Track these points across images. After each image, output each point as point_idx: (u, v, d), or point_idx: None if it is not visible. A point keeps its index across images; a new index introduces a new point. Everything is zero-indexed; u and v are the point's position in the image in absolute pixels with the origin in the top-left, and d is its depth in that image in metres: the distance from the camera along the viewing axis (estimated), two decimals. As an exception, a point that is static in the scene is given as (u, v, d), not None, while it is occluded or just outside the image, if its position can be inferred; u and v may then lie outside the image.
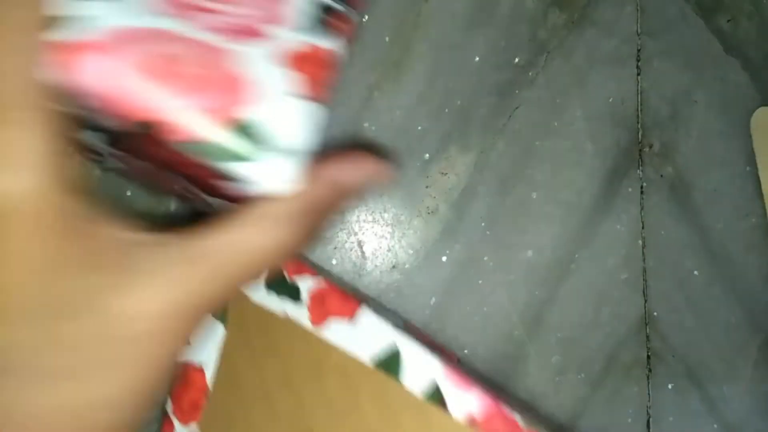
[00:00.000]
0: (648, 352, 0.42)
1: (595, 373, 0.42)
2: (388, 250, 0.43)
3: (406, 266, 0.43)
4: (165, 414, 0.38)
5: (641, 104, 0.43)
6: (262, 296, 0.36)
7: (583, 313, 0.42)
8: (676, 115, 0.43)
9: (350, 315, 0.36)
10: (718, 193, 0.42)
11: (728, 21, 0.43)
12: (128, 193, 0.43)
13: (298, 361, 0.36)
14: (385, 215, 0.43)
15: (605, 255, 0.42)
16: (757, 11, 0.43)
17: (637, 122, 0.43)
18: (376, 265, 0.43)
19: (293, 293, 0.36)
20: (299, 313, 0.36)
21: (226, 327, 0.36)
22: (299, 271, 0.36)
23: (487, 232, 0.43)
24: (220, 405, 0.36)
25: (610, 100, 0.41)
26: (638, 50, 0.43)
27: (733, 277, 0.42)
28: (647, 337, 0.42)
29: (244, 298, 0.36)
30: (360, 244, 0.43)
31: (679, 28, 0.43)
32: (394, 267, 0.43)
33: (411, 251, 0.43)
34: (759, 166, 0.42)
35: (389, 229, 0.43)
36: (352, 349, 0.35)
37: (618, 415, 0.42)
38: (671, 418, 0.42)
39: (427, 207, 0.43)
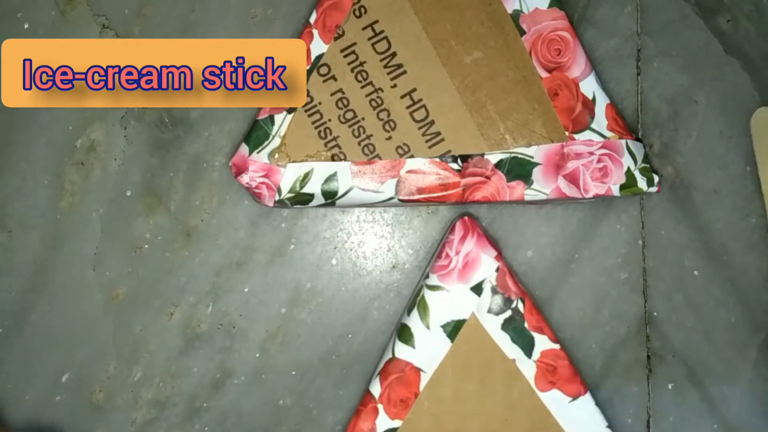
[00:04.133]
0: (648, 352, 0.42)
1: (595, 373, 0.42)
2: (388, 250, 0.43)
3: (406, 266, 0.43)
4: (368, 393, 0.40)
5: (641, 104, 0.43)
6: (497, 332, 0.39)
7: (583, 313, 0.42)
8: (676, 115, 0.43)
9: (573, 395, 0.39)
10: (718, 193, 0.42)
11: (728, 21, 0.43)
12: (128, 193, 0.43)
13: (507, 402, 0.39)
14: (385, 215, 0.43)
15: (605, 255, 0.42)
16: (757, 11, 0.43)
17: (637, 122, 0.43)
18: (376, 265, 0.43)
19: (527, 345, 0.39)
20: (527, 367, 0.39)
21: (454, 343, 0.39)
22: (539, 328, 0.39)
23: (488, 232, 0.43)
24: (426, 412, 0.39)
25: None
26: (638, 50, 0.43)
27: (733, 277, 0.42)
28: (647, 337, 0.42)
29: (479, 326, 0.39)
30: (360, 244, 0.43)
31: (679, 28, 0.43)
32: (394, 267, 0.43)
33: (411, 251, 0.43)
34: (759, 166, 0.42)
35: (389, 229, 0.43)
36: (565, 426, 0.39)
37: (618, 415, 0.42)
38: (671, 418, 0.42)
39: (427, 207, 0.43)
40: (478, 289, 0.39)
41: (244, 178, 0.40)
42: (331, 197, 0.39)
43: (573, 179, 0.39)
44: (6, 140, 0.43)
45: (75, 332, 0.42)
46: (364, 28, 0.39)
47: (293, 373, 0.42)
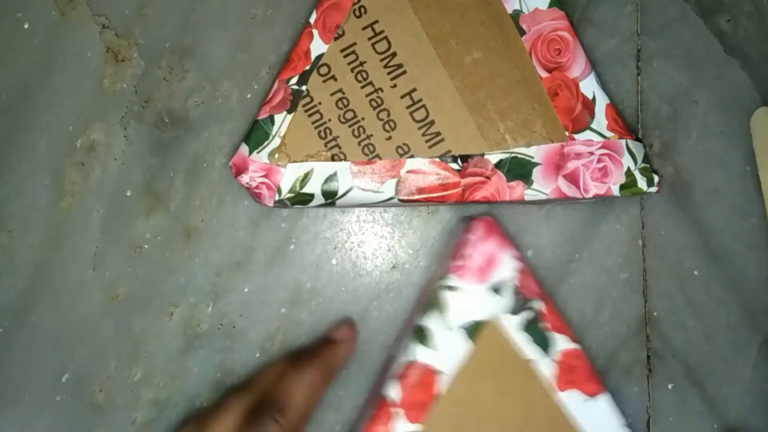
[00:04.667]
0: (648, 352, 0.42)
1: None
2: (388, 250, 0.43)
3: (406, 266, 0.43)
4: (381, 398, 0.39)
5: (641, 104, 0.43)
6: (516, 333, 0.39)
7: (583, 313, 0.42)
8: (676, 115, 0.43)
9: (592, 394, 0.39)
10: (718, 193, 0.42)
11: (728, 21, 0.43)
12: (128, 193, 0.43)
13: (525, 403, 0.38)
14: (385, 215, 0.43)
15: (605, 255, 0.42)
16: (757, 11, 0.43)
17: (637, 122, 0.43)
18: (376, 265, 0.43)
19: (546, 346, 0.39)
20: (546, 367, 0.39)
21: (474, 344, 0.39)
22: (559, 328, 0.39)
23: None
24: (446, 415, 0.39)
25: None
26: (638, 50, 0.43)
27: (733, 277, 0.42)
28: (647, 337, 0.42)
29: (499, 327, 0.39)
30: (360, 244, 0.43)
31: (679, 28, 0.43)
32: (394, 267, 0.43)
33: (411, 251, 0.43)
34: (759, 166, 0.42)
35: (389, 229, 0.43)
36: (583, 426, 0.38)
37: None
38: (671, 418, 0.42)
39: (427, 207, 0.43)
40: (498, 289, 0.39)
41: (244, 178, 0.40)
42: (331, 197, 0.39)
43: (573, 179, 0.39)
44: (6, 140, 0.43)
45: (75, 332, 0.43)
46: (364, 28, 0.39)
47: (293, 373, 0.42)
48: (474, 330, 0.39)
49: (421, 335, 0.39)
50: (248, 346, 0.42)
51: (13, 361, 0.43)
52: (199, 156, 0.43)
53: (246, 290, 0.43)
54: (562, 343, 0.39)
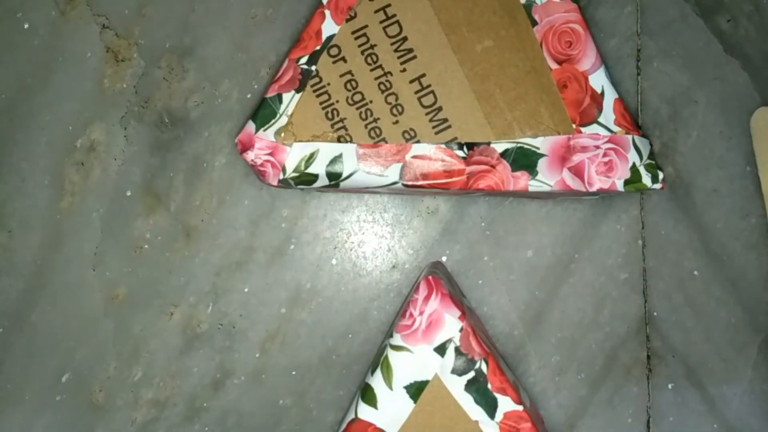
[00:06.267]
0: (648, 352, 0.42)
1: (595, 373, 0.42)
2: (388, 250, 0.43)
3: (406, 266, 0.43)
4: None
5: (641, 104, 0.43)
6: (460, 393, 0.38)
7: (583, 313, 0.42)
8: (676, 115, 0.43)
9: None
10: (718, 193, 0.42)
11: (728, 21, 0.43)
12: (128, 193, 0.43)
13: None
14: (385, 215, 0.43)
15: (605, 255, 0.42)
16: (757, 11, 0.43)
17: (638, 122, 0.43)
18: (376, 265, 0.43)
19: (490, 407, 0.38)
20: (490, 429, 0.38)
21: (416, 404, 0.39)
22: (502, 389, 0.38)
23: (487, 232, 0.43)
24: None
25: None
26: (638, 50, 0.43)
27: (733, 277, 0.42)
28: (647, 337, 0.42)
29: (442, 387, 0.38)
30: (360, 244, 0.43)
31: (679, 28, 0.43)
32: (394, 267, 0.43)
33: (411, 251, 0.43)
34: (759, 166, 0.42)
35: (389, 229, 0.43)
36: None
37: (618, 415, 0.42)
38: (671, 418, 0.42)
39: (427, 207, 0.43)
40: (441, 349, 0.38)
41: (249, 156, 0.39)
42: (335, 179, 0.39)
43: (578, 172, 0.39)
44: (6, 140, 0.43)
45: (75, 332, 0.43)
46: (376, 11, 0.39)
47: (293, 373, 0.43)
48: (417, 390, 0.38)
49: (366, 394, 0.39)
50: (248, 346, 0.42)
51: (13, 361, 0.43)
52: (199, 156, 0.43)
53: (246, 290, 0.43)
54: (505, 405, 0.38)
